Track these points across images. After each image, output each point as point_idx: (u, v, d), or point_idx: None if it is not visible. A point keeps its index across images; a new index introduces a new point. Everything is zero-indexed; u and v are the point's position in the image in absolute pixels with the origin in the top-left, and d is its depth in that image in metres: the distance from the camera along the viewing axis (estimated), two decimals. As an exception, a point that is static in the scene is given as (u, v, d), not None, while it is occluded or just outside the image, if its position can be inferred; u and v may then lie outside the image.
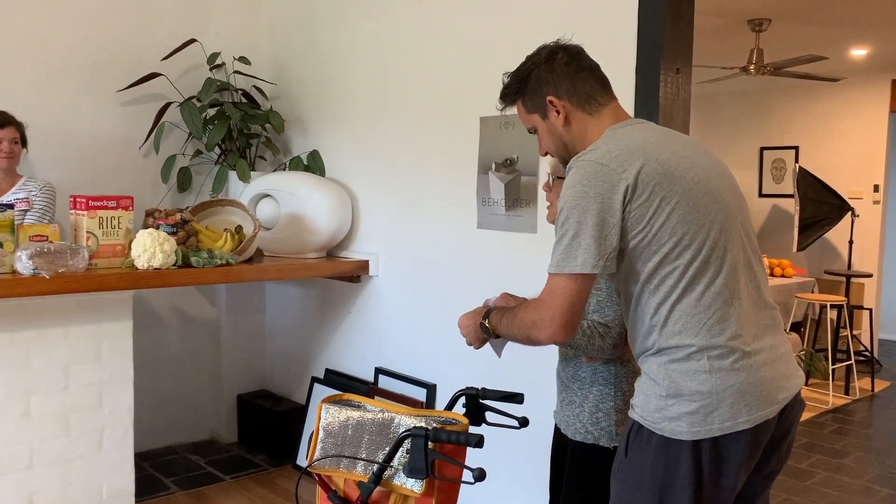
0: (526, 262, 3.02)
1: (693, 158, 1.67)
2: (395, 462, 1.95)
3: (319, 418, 2.03)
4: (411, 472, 1.90)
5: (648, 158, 1.60)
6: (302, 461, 3.86)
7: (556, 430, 2.28)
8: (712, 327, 1.59)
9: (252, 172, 3.94)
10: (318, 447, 2.02)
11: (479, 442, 1.88)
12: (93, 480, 3.05)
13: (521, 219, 3.01)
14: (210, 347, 4.37)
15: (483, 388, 2.25)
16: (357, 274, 3.72)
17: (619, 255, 1.63)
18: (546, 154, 1.91)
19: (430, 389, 3.41)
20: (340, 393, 2.18)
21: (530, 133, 1.92)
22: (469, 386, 2.28)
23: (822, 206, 6.51)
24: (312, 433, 2.12)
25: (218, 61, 3.99)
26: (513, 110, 2.89)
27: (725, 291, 1.61)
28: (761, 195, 7.56)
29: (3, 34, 3.59)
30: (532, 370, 3.00)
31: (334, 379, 3.92)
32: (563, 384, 2.22)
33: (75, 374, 2.98)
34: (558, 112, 1.77)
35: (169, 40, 3.98)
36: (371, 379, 3.72)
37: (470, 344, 2.08)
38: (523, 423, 2.21)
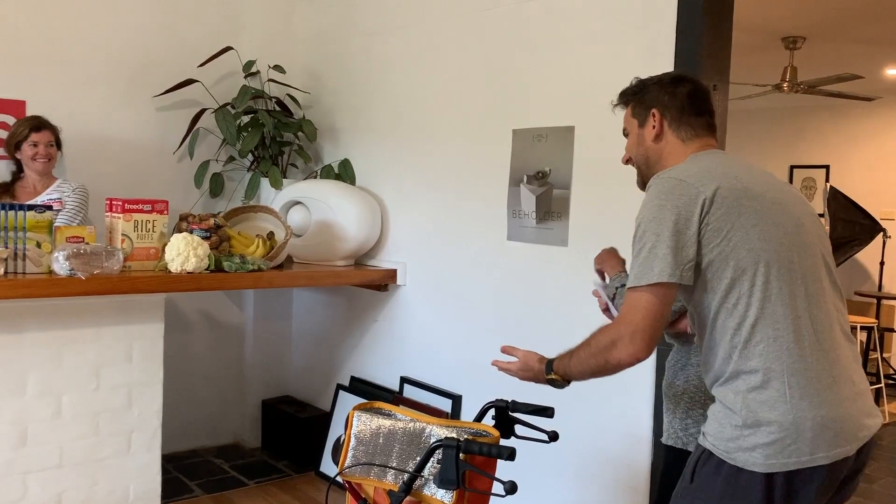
0: (556, 275, 3.01)
1: (771, 183, 1.71)
2: (426, 472, 1.95)
3: (351, 426, 2.04)
4: (442, 482, 1.90)
5: (727, 177, 1.64)
6: (326, 468, 3.87)
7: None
8: (792, 352, 1.56)
9: (284, 180, 3.97)
10: (350, 454, 2.02)
11: (511, 454, 1.88)
12: (120, 481, 3.07)
13: (552, 232, 3.01)
14: (236, 352, 4.40)
15: (513, 401, 2.25)
16: (385, 283, 3.73)
17: (696, 271, 1.62)
18: (627, 162, 1.96)
19: (456, 400, 3.41)
20: (371, 401, 2.19)
21: (624, 135, 1.95)
22: (498, 398, 2.27)
23: (853, 226, 6.44)
24: (342, 440, 2.13)
25: (253, 69, 4.03)
26: (546, 122, 2.93)
27: (807, 316, 1.59)
28: (790, 214, 7.47)
29: (41, 40, 3.66)
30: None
31: (359, 387, 3.92)
32: (663, 394, 2.29)
33: (106, 375, 3.01)
34: (654, 126, 1.83)
35: (203, 47, 4.03)
36: (396, 388, 3.72)
37: (508, 373, 2.04)
38: (553, 437, 2.20)
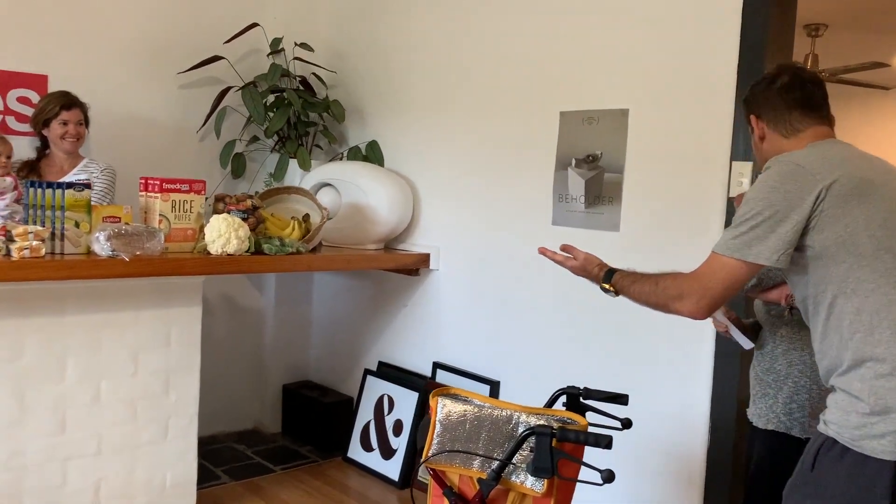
0: (607, 259, 2.96)
1: (891, 174, 1.71)
2: (515, 460, 1.92)
3: (436, 412, 1.98)
4: (536, 470, 1.86)
5: (848, 165, 1.65)
6: (353, 454, 3.81)
7: (751, 427, 2.35)
8: None
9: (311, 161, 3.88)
10: (435, 441, 1.97)
11: (608, 443, 1.85)
12: (157, 468, 2.99)
13: (603, 216, 2.97)
14: (256, 336, 4.32)
15: (585, 388, 2.21)
16: (417, 267, 3.67)
17: (805, 258, 1.63)
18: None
19: (494, 386, 3.37)
20: (447, 387, 2.14)
21: None
22: (570, 385, 2.24)
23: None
24: (423, 426, 2.07)
25: (279, 47, 3.93)
26: (597, 105, 2.91)
27: None
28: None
29: (63, 12, 3.53)
30: (612, 370, 2.97)
31: (388, 372, 3.87)
32: (756, 378, 2.31)
33: (144, 360, 2.93)
34: (756, 130, 1.91)
35: (226, 24, 3.91)
36: (428, 373, 3.68)
37: (564, 267, 2.13)
38: (626, 424, 2.17)
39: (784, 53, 2.61)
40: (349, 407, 4.06)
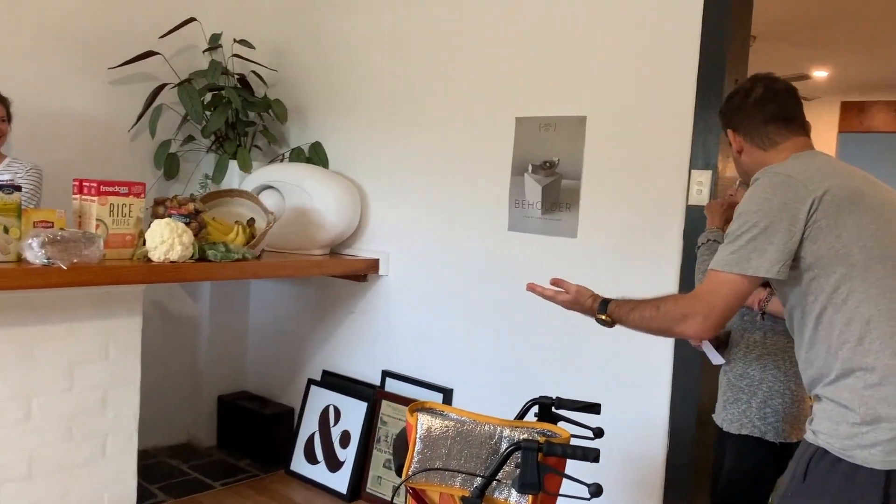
0: (564, 266, 2.96)
1: (877, 184, 1.73)
2: (499, 475, 1.86)
3: (415, 429, 1.91)
4: (523, 486, 1.81)
5: (838, 176, 1.66)
6: (297, 467, 3.68)
7: (719, 433, 2.36)
8: None
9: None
10: (415, 459, 1.90)
11: (596, 456, 1.82)
12: (94, 489, 2.80)
13: (560, 223, 2.96)
14: (189, 346, 4.13)
15: (558, 398, 2.19)
16: (365, 273, 3.58)
17: (797, 269, 1.64)
18: None
19: (447, 394, 3.31)
20: (422, 401, 2.07)
21: None
22: (542, 395, 2.21)
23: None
24: (399, 443, 2.00)
25: (217, 43, 3.76)
26: (554, 111, 2.91)
27: None
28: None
29: (-14, -2, 3.28)
30: (570, 377, 2.96)
31: (334, 381, 3.76)
32: (729, 383, 2.31)
33: (81, 374, 2.73)
34: (732, 143, 1.92)
35: (161, 18, 3.72)
36: (377, 382, 3.59)
37: (556, 302, 2.06)
38: (598, 433, 2.16)
39: (742, 62, 2.65)
40: (291, 418, 3.92)
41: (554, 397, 2.19)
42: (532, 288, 2.07)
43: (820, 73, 6.12)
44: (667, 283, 2.69)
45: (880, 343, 1.56)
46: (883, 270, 1.59)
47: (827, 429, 1.61)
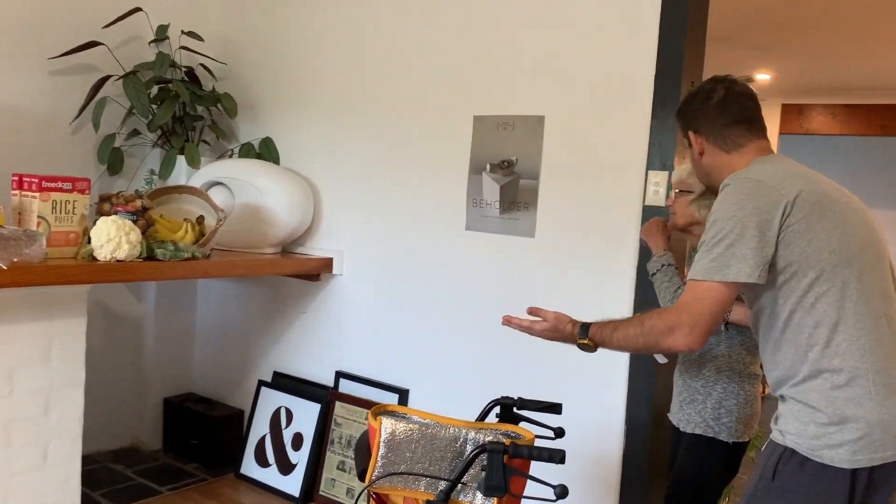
0: (522, 266, 2.96)
1: (839, 188, 1.76)
2: (467, 478, 1.84)
3: (379, 432, 1.87)
4: (489, 489, 1.79)
5: (806, 181, 1.67)
6: (247, 470, 3.60)
7: (675, 432, 2.38)
8: (875, 351, 1.60)
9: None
10: (379, 463, 1.86)
11: (562, 457, 1.81)
12: (34, 499, 2.68)
13: (518, 222, 2.95)
14: (133, 347, 3.99)
15: (520, 398, 2.18)
16: (318, 272, 3.51)
17: (770, 272, 1.64)
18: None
19: (403, 395, 3.28)
20: (384, 404, 2.03)
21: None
22: (504, 395, 2.20)
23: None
24: (361, 447, 1.96)
25: (165, 34, 3.64)
26: (512, 110, 2.87)
27: (883, 316, 1.64)
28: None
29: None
30: (527, 376, 2.95)
31: (285, 383, 3.68)
32: (684, 384, 2.32)
33: (21, 378, 2.62)
34: (694, 145, 1.91)
35: (104, 6, 3.57)
36: (330, 383, 3.53)
37: (534, 332, 2.01)
38: (559, 433, 2.15)
39: (698, 65, 2.69)
40: (240, 420, 3.83)
41: (516, 398, 2.18)
42: (508, 321, 2.01)
43: (763, 77, 6.27)
44: (624, 282, 2.71)
45: (847, 345, 1.59)
46: (850, 274, 1.61)
47: (795, 429, 1.63)
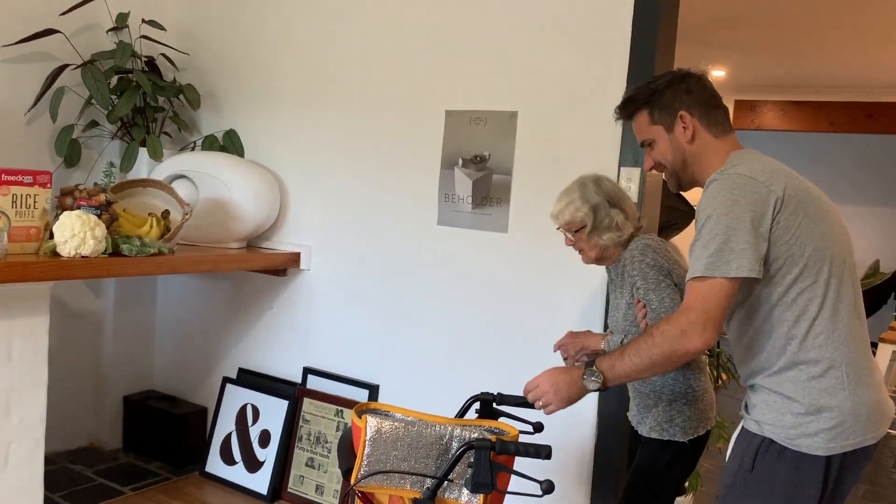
0: (494, 261, 2.97)
1: (812, 185, 1.77)
2: (453, 475, 1.84)
3: (364, 431, 1.85)
4: (476, 486, 1.79)
5: (789, 177, 1.70)
6: (212, 468, 3.54)
7: (633, 432, 2.39)
8: (849, 342, 1.65)
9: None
10: (364, 462, 1.84)
11: (548, 453, 1.82)
12: (-4, 503, 2.60)
13: (491, 217, 2.96)
14: (91, 343, 3.89)
15: (499, 394, 2.18)
16: (285, 267, 3.47)
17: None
18: (652, 169, 1.92)
19: (373, 390, 3.26)
20: (367, 402, 2.02)
21: (641, 146, 1.92)
22: (483, 391, 2.20)
23: (673, 211, 7.02)
24: (344, 446, 1.94)
25: (125, 23, 3.54)
26: (485, 106, 2.80)
27: (854, 309, 1.69)
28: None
29: None
30: (499, 371, 2.97)
31: (251, 380, 3.63)
32: (635, 391, 2.33)
33: (-20, 378, 2.53)
34: (685, 128, 1.80)
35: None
36: (298, 379, 3.49)
37: (546, 405, 1.89)
38: (538, 428, 2.17)
39: (669, 62, 2.72)
40: (203, 418, 3.77)
41: (495, 393, 2.19)
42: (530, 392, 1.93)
43: (718, 73, 6.40)
44: (595, 279, 2.74)
45: (824, 338, 1.64)
46: (828, 270, 1.66)
47: (771, 419, 1.68)
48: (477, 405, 2.19)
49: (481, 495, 1.83)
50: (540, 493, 1.78)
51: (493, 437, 1.84)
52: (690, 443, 2.27)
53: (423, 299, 3.15)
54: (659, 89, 1.85)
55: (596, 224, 2.25)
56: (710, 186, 1.70)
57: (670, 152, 1.85)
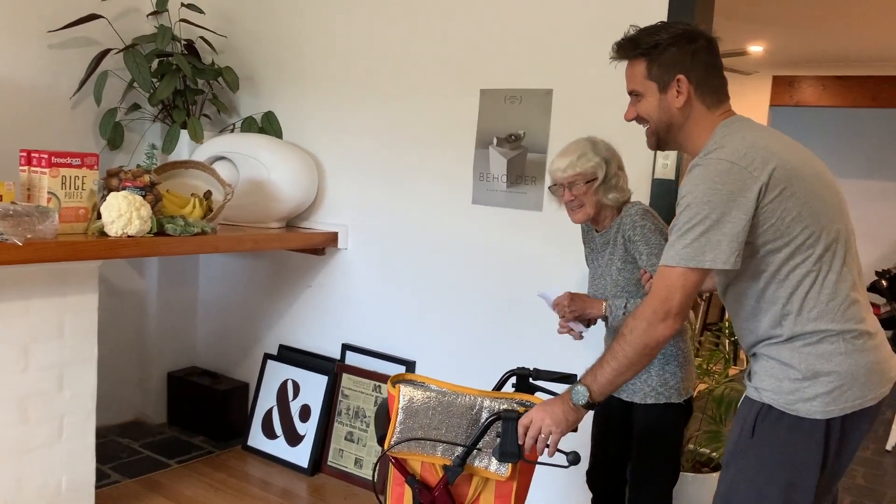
0: (529, 239, 2.99)
1: (802, 153, 1.73)
2: (482, 444, 1.90)
3: (397, 399, 1.91)
4: (503, 455, 1.86)
5: (775, 156, 1.65)
6: (254, 441, 3.64)
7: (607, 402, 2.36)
8: (845, 312, 1.66)
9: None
10: (397, 429, 1.91)
11: (576, 458, 1.85)
12: (51, 473, 2.71)
13: (525, 196, 2.98)
14: (137, 321, 4.01)
15: (535, 369, 2.22)
16: (323, 246, 3.53)
17: (747, 249, 1.66)
18: (633, 119, 1.86)
19: (409, 366, 3.32)
20: (403, 373, 2.08)
21: (629, 94, 1.84)
22: (520, 366, 2.24)
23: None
24: (381, 414, 2.00)
25: (165, 7, 3.61)
26: (520, 84, 2.74)
27: (849, 277, 1.69)
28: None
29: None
30: (531, 345, 3.00)
31: (291, 356, 3.72)
32: None
33: (35, 353, 2.63)
34: (679, 92, 1.75)
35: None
36: (336, 356, 3.56)
37: (548, 435, 1.80)
38: (570, 460, 2.19)
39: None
40: (245, 393, 3.87)
41: (531, 368, 2.23)
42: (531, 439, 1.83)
43: (756, 48, 6.29)
44: (632, 254, 2.75)
45: (818, 312, 1.65)
46: (823, 247, 1.66)
47: (770, 385, 1.69)
48: (513, 380, 2.24)
49: (509, 464, 1.88)
50: (566, 464, 1.82)
51: (521, 409, 1.88)
52: (685, 403, 2.36)
53: (457, 277, 3.19)
54: (662, 43, 1.74)
55: (605, 179, 2.30)
56: (692, 171, 1.68)
57: (656, 112, 1.78)
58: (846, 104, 6.97)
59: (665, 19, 2.63)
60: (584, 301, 2.40)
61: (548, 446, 1.80)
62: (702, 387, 3.32)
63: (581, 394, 1.76)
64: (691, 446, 3.19)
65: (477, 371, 3.12)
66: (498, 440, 1.89)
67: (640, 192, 2.73)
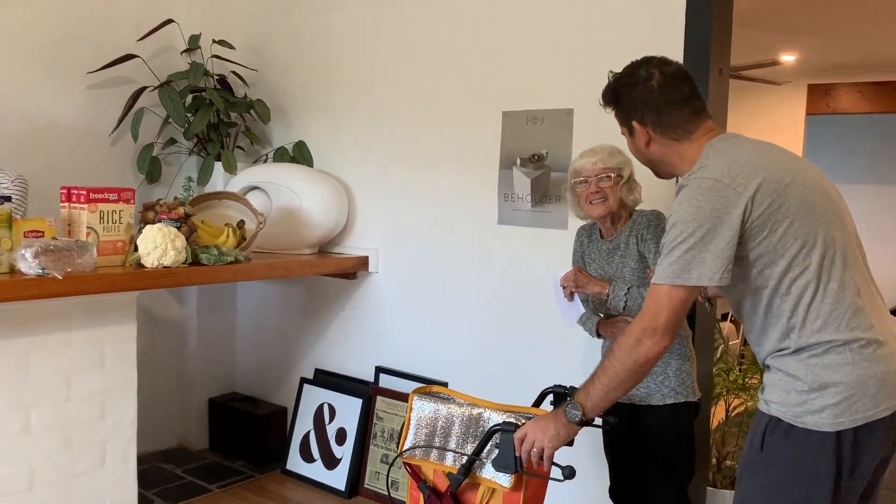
0: (554, 258, 3.00)
1: (792, 164, 1.74)
2: (484, 455, 1.95)
3: (411, 409, 2.02)
4: (497, 466, 1.90)
5: (761, 171, 1.66)
6: (293, 466, 3.70)
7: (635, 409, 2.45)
8: (850, 321, 1.64)
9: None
10: (410, 437, 1.99)
11: (570, 441, 1.88)
12: (95, 498, 2.79)
13: (550, 215, 3.00)
14: (177, 349, 4.11)
15: (571, 387, 2.23)
16: (355, 270, 3.59)
17: (741, 266, 1.68)
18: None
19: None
20: (429, 385, 2.14)
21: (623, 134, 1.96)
22: (557, 384, 2.26)
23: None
24: (403, 424, 2.08)
25: (197, 44, 3.74)
26: (541, 105, 2.82)
27: (853, 285, 1.68)
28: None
29: (-41, 5, 3.22)
30: (562, 365, 3.00)
31: (327, 379, 3.77)
32: None
33: (77, 383, 2.72)
34: (641, 135, 1.85)
35: (136, 20, 3.69)
36: (371, 378, 3.61)
37: (540, 448, 1.85)
38: (607, 421, 2.20)
39: (724, 52, 2.71)
40: (284, 417, 3.93)
41: (567, 386, 2.24)
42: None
43: (788, 58, 6.23)
44: (658, 270, 2.75)
45: (821, 322, 1.64)
46: (820, 256, 1.65)
47: (778, 398, 1.69)
48: (550, 397, 2.26)
49: (511, 476, 1.91)
50: (561, 478, 1.84)
51: (523, 423, 1.91)
52: (697, 401, 2.45)
53: (487, 296, 3.22)
54: (619, 89, 1.88)
55: (629, 179, 2.43)
56: (678, 192, 1.72)
57: (635, 153, 1.93)
58: (884, 110, 6.85)
59: (682, 38, 2.66)
60: (590, 278, 2.48)
61: (542, 459, 1.85)
62: (736, 402, 3.28)
63: (573, 407, 1.80)
64: (728, 462, 3.15)
65: (509, 390, 3.14)
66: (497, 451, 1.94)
67: (665, 210, 2.73)
